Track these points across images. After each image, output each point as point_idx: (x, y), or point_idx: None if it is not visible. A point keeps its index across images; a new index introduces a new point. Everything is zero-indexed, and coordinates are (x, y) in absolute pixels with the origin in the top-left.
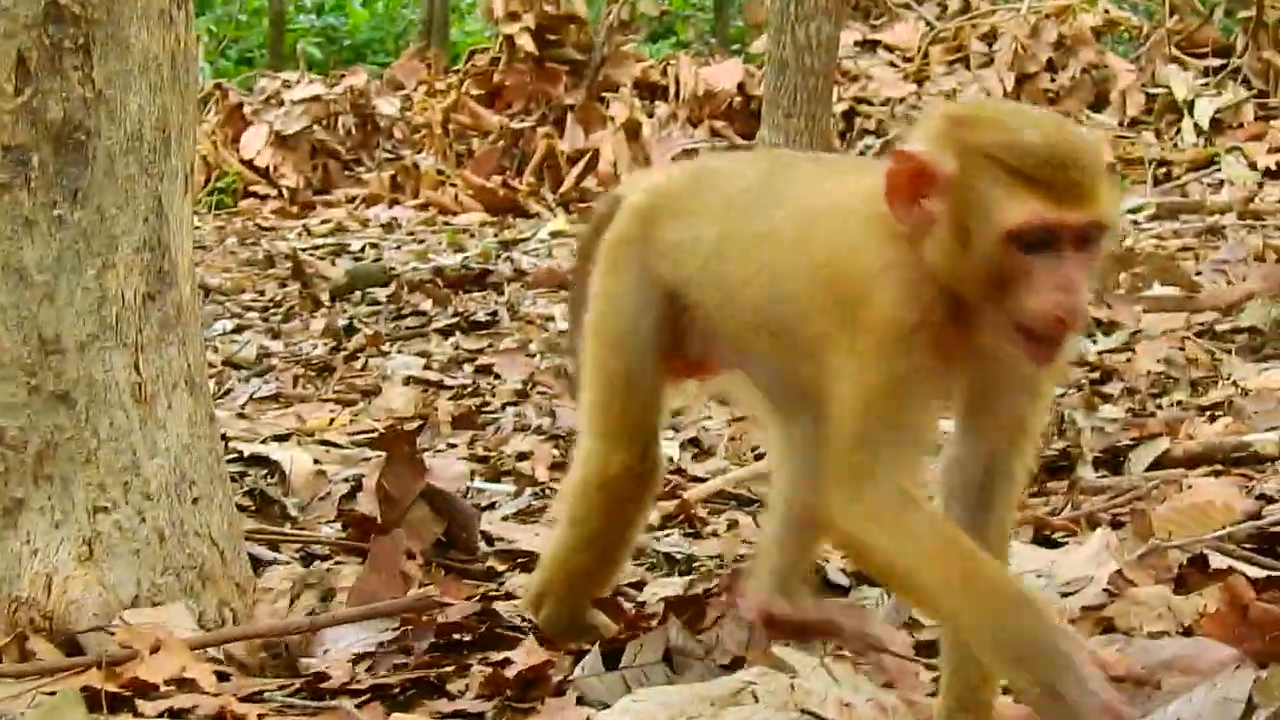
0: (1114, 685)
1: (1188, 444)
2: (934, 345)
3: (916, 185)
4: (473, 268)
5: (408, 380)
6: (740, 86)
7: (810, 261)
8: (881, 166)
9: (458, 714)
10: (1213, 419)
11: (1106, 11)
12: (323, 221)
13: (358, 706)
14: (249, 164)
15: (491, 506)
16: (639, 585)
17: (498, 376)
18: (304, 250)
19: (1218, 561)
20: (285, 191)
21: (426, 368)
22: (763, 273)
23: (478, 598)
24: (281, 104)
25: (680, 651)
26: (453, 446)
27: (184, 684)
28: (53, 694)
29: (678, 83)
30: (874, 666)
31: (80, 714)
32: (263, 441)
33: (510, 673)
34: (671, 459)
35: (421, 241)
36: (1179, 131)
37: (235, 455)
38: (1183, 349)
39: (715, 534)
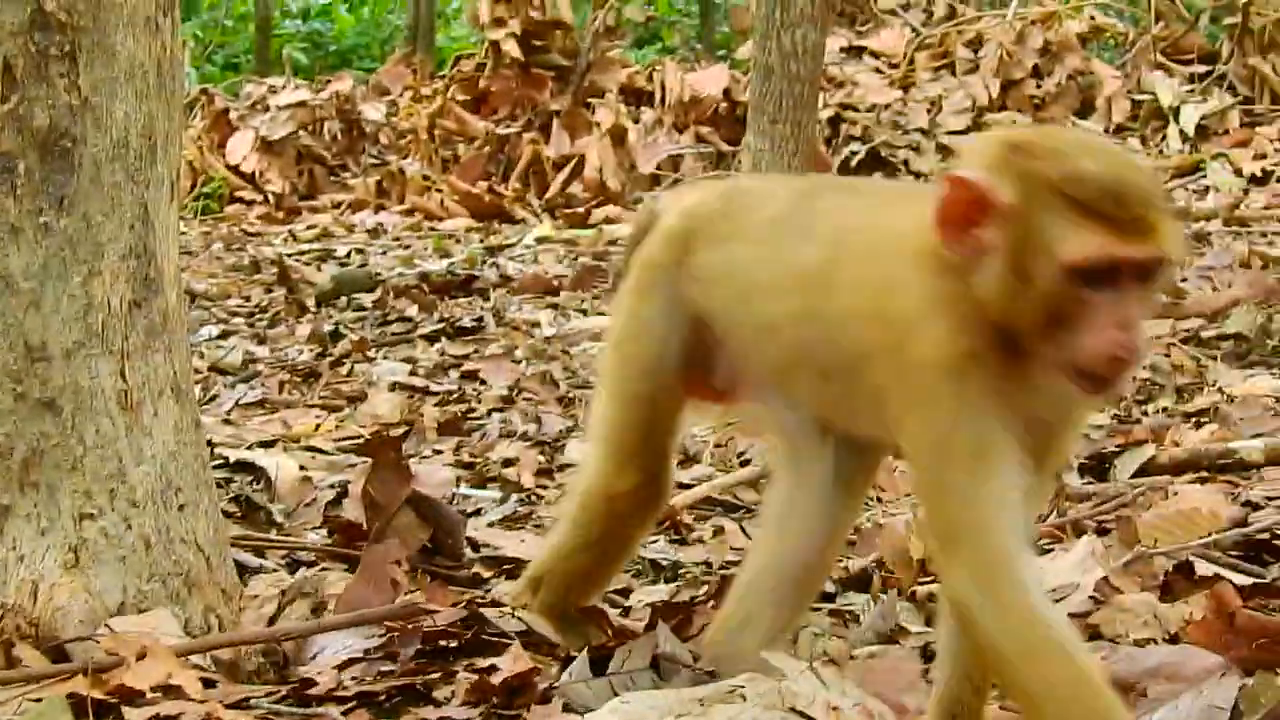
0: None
1: (1173, 450)
2: (988, 377)
3: (971, 214)
4: (458, 273)
5: (393, 386)
6: (726, 92)
7: (855, 296)
8: (925, 194)
9: None
10: (1198, 425)
11: (1092, 18)
12: (308, 227)
13: (344, 713)
14: (235, 169)
15: (477, 513)
16: (625, 592)
17: (483, 382)
18: (290, 256)
19: (1203, 568)
20: (271, 197)
21: (412, 373)
22: (805, 310)
23: (464, 604)
24: (267, 109)
25: (668, 658)
26: (438, 453)
27: (170, 691)
28: (39, 701)
29: (663, 88)
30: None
31: None
32: (248, 448)
33: (496, 679)
34: None
35: (407, 247)
36: (1164, 138)
37: (221, 461)
38: (1168, 355)
39: (701, 540)
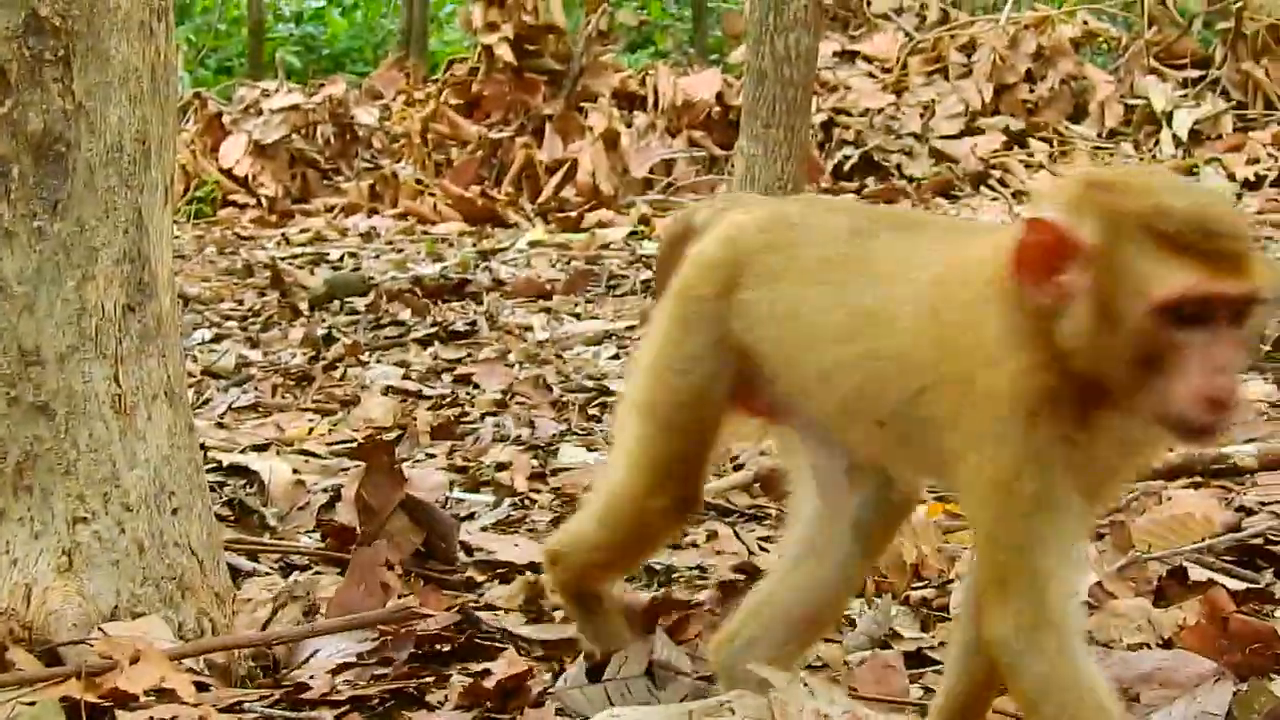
0: None
1: (1167, 456)
2: (1061, 422)
3: (1051, 258)
4: (451, 277)
5: (386, 390)
6: (719, 97)
7: (923, 327)
8: (995, 228)
9: None
10: None
11: (1085, 23)
12: (301, 231)
13: (337, 717)
14: (228, 173)
15: (470, 517)
16: None
17: (476, 386)
18: (283, 259)
19: (1197, 574)
20: (264, 201)
21: (405, 377)
22: (865, 353)
23: (457, 608)
24: (260, 113)
25: (663, 665)
26: (431, 456)
27: (163, 694)
28: (32, 704)
29: (656, 93)
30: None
31: None
32: (242, 451)
33: (490, 683)
34: None
35: (400, 251)
36: (1158, 143)
37: (214, 465)
38: None
39: (695, 544)
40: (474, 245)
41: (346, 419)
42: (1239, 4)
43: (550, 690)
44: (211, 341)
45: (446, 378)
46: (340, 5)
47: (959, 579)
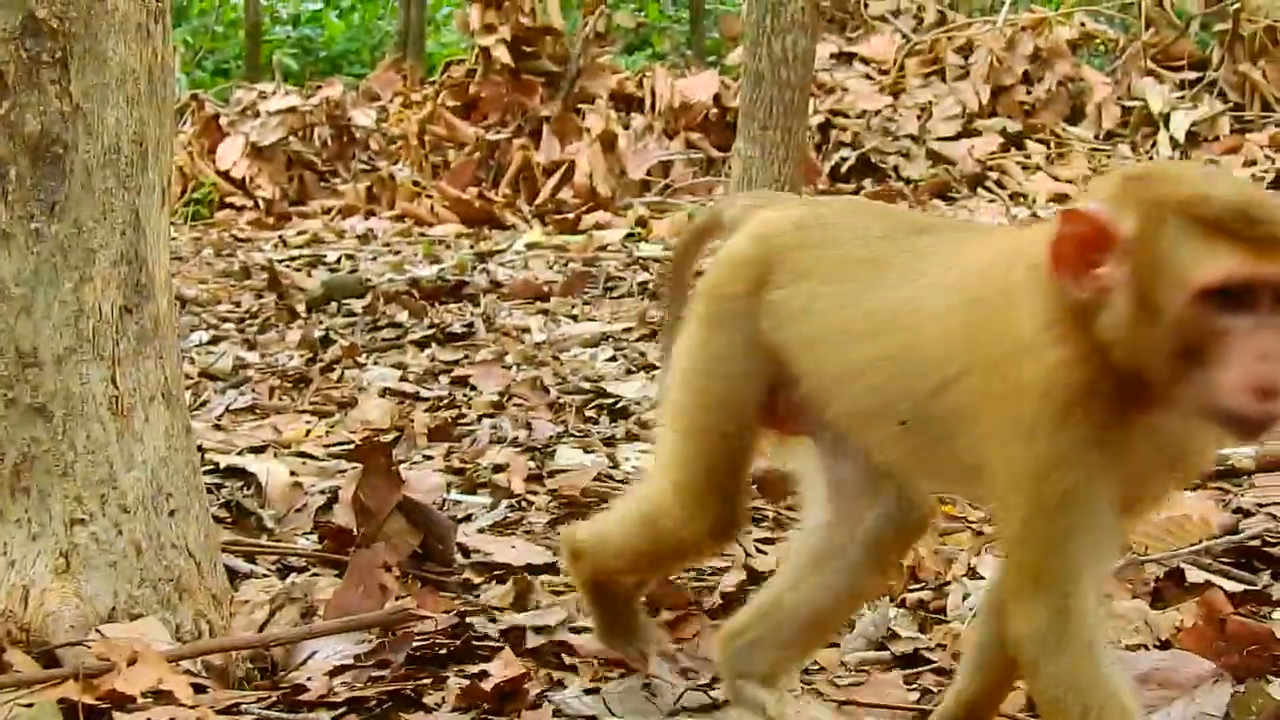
0: None
1: None
2: (1096, 420)
3: (1089, 250)
4: (449, 279)
5: (384, 392)
6: (716, 99)
7: (955, 314)
8: (1034, 226)
9: None
10: None
11: (1082, 24)
12: (299, 233)
13: (334, 719)
14: (225, 175)
15: (468, 518)
16: None
17: (474, 388)
18: (280, 261)
19: (1195, 575)
20: (261, 202)
21: (403, 379)
22: (894, 350)
23: (454, 610)
24: (257, 115)
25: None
26: (429, 458)
27: (161, 696)
28: (30, 706)
29: (653, 95)
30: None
31: None
32: (239, 453)
33: (487, 685)
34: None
35: (397, 253)
36: (1155, 145)
37: (211, 467)
38: None
39: None
40: (471, 247)
41: (344, 421)
42: (1236, 6)
43: (547, 693)
44: (209, 343)
45: (444, 379)
46: (337, 7)
47: (955, 581)
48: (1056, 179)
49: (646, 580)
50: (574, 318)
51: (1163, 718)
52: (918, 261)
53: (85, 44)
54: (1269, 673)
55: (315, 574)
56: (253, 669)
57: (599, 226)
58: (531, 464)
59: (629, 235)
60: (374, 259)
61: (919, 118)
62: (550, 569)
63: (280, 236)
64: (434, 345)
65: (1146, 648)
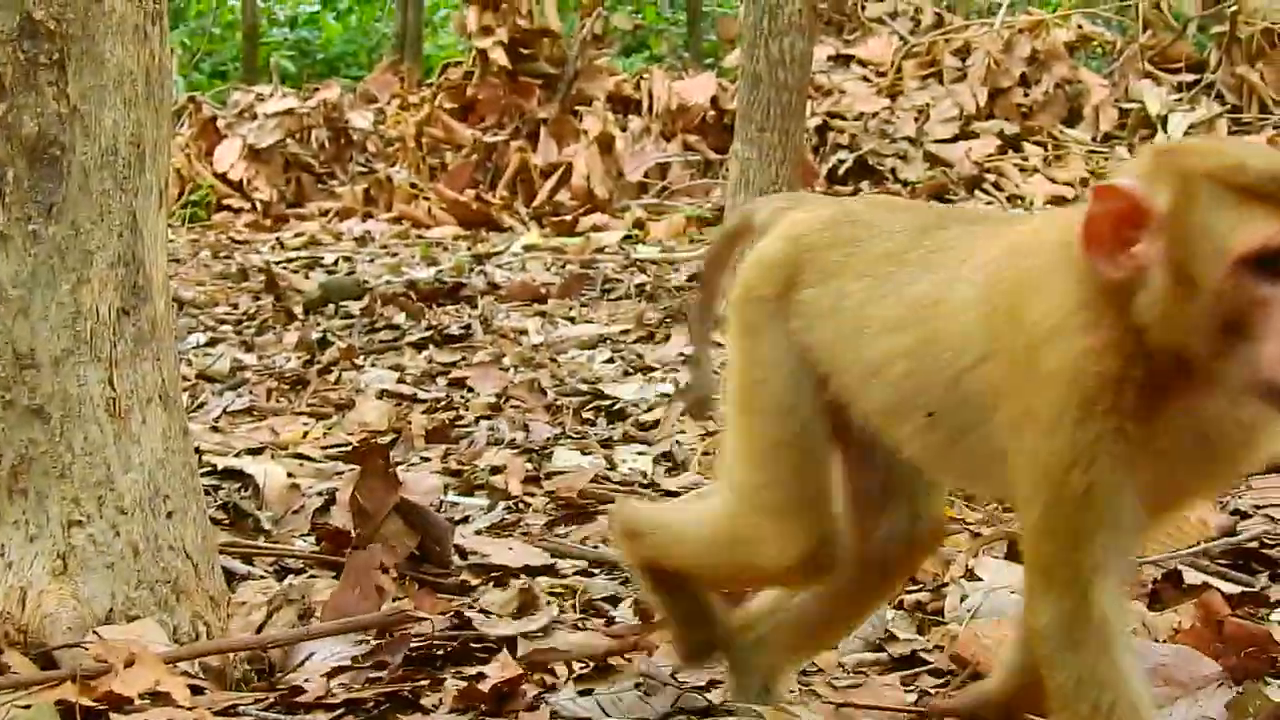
0: None
1: None
2: (1123, 411)
3: (1124, 228)
4: (446, 281)
5: (381, 394)
6: (713, 101)
7: (981, 300)
8: (1055, 215)
9: None
10: None
11: (1080, 27)
12: (296, 235)
13: None
14: (222, 177)
15: (465, 520)
16: (613, 600)
17: (471, 390)
18: (277, 263)
19: (1192, 577)
20: (259, 205)
21: (400, 381)
22: (919, 340)
23: (452, 612)
24: (255, 117)
25: (653, 676)
26: (426, 460)
27: (158, 698)
28: (27, 707)
29: (651, 97)
30: None
31: None
32: (236, 455)
33: (484, 687)
34: (644, 473)
35: (395, 255)
36: None
37: (209, 469)
38: None
39: None
40: (468, 249)
41: (341, 422)
42: (1234, 8)
43: (544, 695)
44: (206, 345)
45: (441, 381)
46: (335, 9)
47: (953, 583)
48: (1054, 181)
49: (713, 590)
50: (571, 319)
51: (1165, 717)
52: (941, 252)
53: (83, 46)
54: (1267, 674)
55: (313, 575)
56: (250, 670)
57: (596, 228)
58: (529, 465)
59: (626, 237)
60: (371, 261)
61: (916, 120)
62: (548, 570)
63: (278, 238)
64: (431, 347)
65: None
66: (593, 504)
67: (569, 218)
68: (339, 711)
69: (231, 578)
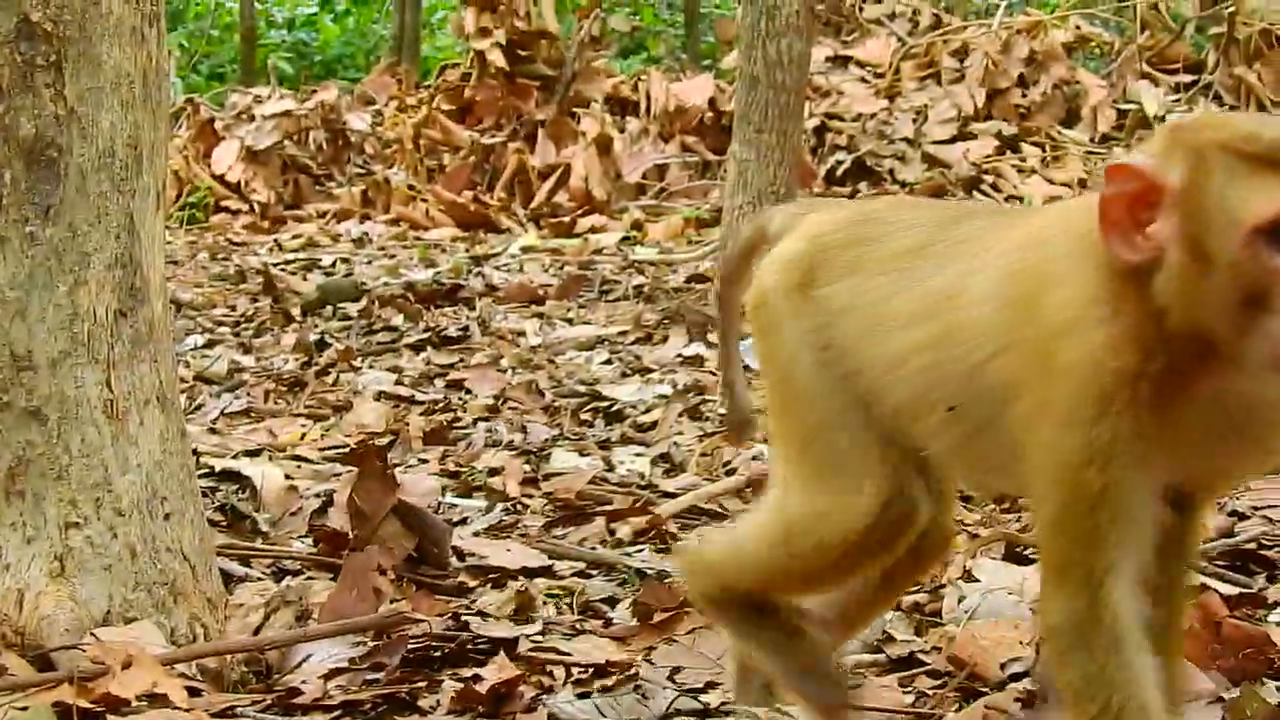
0: None
1: None
2: (1140, 404)
3: (1139, 207)
4: (444, 283)
5: (379, 395)
6: (711, 102)
7: (1001, 290)
8: (1071, 204)
9: None
10: None
11: (1078, 28)
12: (294, 236)
13: None
14: (220, 179)
15: (463, 522)
16: (611, 601)
17: (469, 392)
18: (275, 265)
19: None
20: (256, 206)
21: (398, 383)
22: (939, 333)
23: (449, 613)
24: (253, 119)
25: (650, 678)
26: (424, 462)
27: (155, 699)
28: (25, 709)
29: (649, 98)
30: None
31: None
32: (234, 457)
33: (482, 688)
34: (642, 474)
35: (393, 256)
36: None
37: (206, 471)
38: None
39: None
40: (466, 250)
41: (339, 424)
42: (1231, 9)
43: (541, 697)
44: (204, 347)
45: (439, 383)
46: (332, 11)
47: (951, 584)
48: (1052, 182)
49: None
50: (569, 321)
51: None
52: (959, 245)
53: (80, 47)
54: (1265, 676)
55: (310, 577)
56: (247, 672)
57: (594, 230)
58: (527, 467)
59: (624, 239)
60: (369, 263)
61: (914, 121)
62: (546, 572)
63: (275, 240)
64: (429, 349)
65: None
66: (591, 505)
67: (567, 219)
68: (336, 713)
69: (229, 579)
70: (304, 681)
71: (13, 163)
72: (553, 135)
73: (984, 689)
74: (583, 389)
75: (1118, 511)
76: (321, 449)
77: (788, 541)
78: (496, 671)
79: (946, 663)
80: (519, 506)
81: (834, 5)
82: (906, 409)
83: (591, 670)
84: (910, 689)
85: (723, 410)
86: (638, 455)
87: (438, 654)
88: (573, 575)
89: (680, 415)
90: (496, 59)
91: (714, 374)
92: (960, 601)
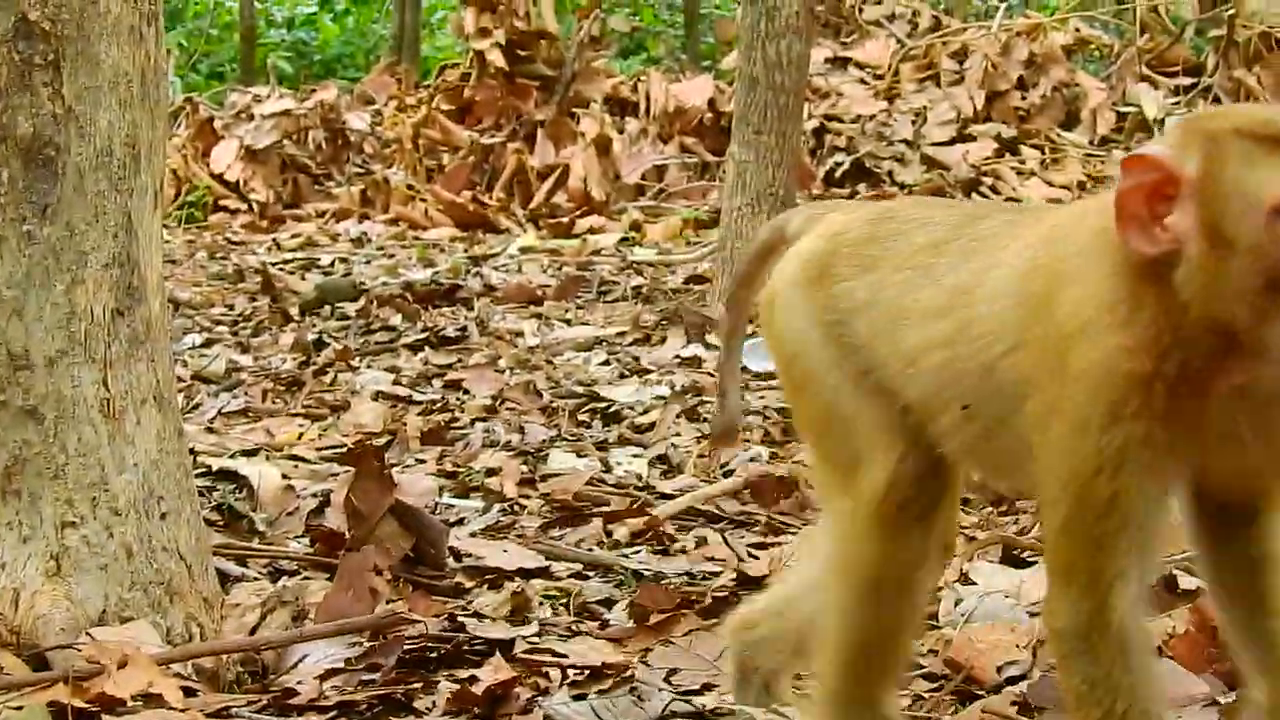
0: None
1: None
2: (1154, 409)
3: (1156, 199)
4: (442, 283)
5: (376, 395)
6: (710, 103)
7: (1017, 287)
8: (1089, 202)
9: None
10: None
11: (1077, 30)
12: (292, 236)
13: None
14: (219, 178)
15: (460, 522)
16: (607, 603)
17: (467, 392)
18: (273, 265)
19: (1187, 582)
20: (255, 206)
21: (395, 383)
22: (956, 328)
23: (446, 614)
24: (252, 118)
25: (645, 681)
26: (421, 462)
27: (151, 699)
28: (19, 709)
29: (648, 99)
30: None
31: None
32: (231, 456)
33: (477, 690)
34: (640, 476)
35: (391, 256)
36: None
37: (203, 470)
38: None
39: (684, 551)
40: (465, 251)
41: (336, 424)
42: (1231, 12)
43: (537, 699)
44: (202, 346)
45: (437, 383)
46: (332, 11)
47: (948, 587)
48: (1051, 184)
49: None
50: (567, 322)
51: None
52: (977, 241)
53: (78, 46)
54: None
55: (306, 577)
56: (243, 672)
57: (593, 230)
58: (524, 468)
59: (623, 239)
60: (368, 262)
61: (914, 123)
62: (543, 573)
63: (274, 240)
64: (427, 349)
65: None
66: (588, 506)
67: (566, 219)
68: (332, 714)
69: (225, 579)
70: (300, 682)
71: (10, 161)
72: (552, 135)
73: (980, 692)
74: (580, 390)
75: (1127, 519)
76: (319, 449)
77: (845, 567)
78: (492, 672)
79: (943, 666)
80: (516, 507)
81: (833, 7)
82: (922, 406)
83: (587, 672)
84: (907, 692)
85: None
86: (635, 456)
87: (434, 655)
88: (569, 576)
89: (678, 416)
90: (496, 59)
91: (712, 375)
92: (957, 604)
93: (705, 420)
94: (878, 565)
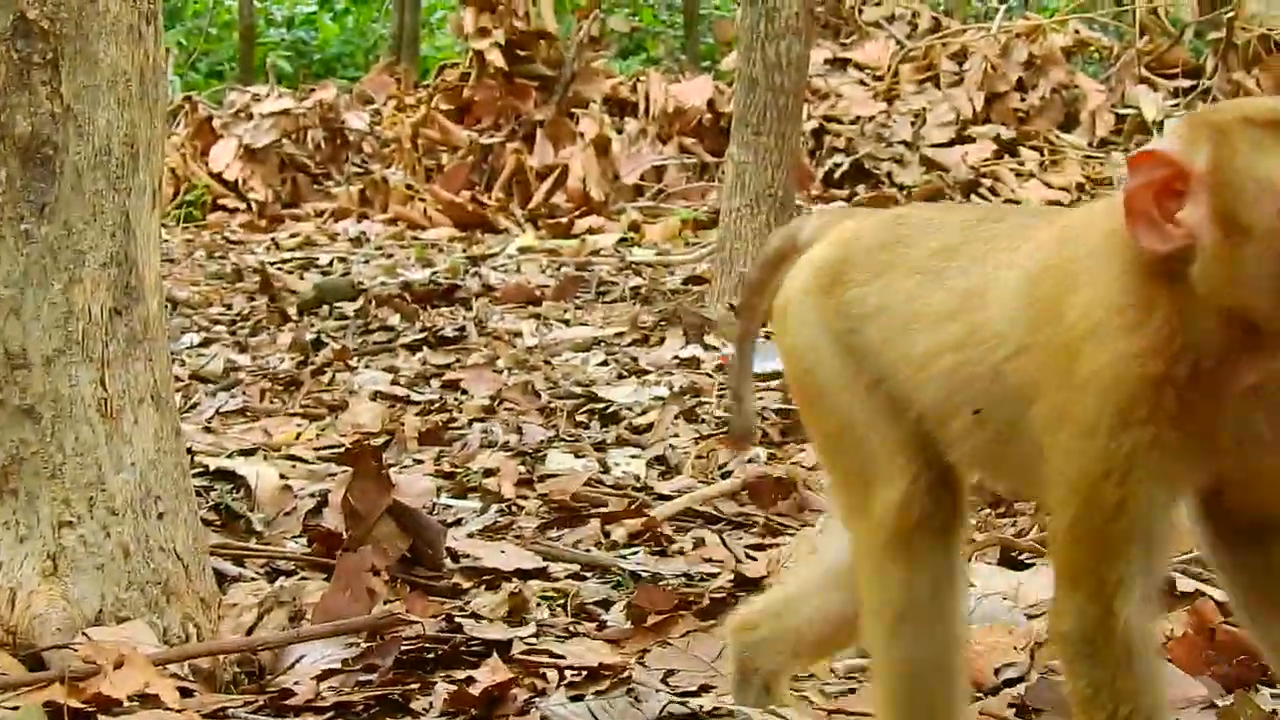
0: None
1: None
2: (1166, 412)
3: (1167, 195)
4: (441, 283)
5: (375, 395)
6: (710, 104)
7: (1027, 289)
8: (1098, 204)
9: None
10: None
11: (1077, 32)
12: (291, 235)
13: None
14: (218, 177)
15: (458, 523)
16: (605, 604)
17: (465, 392)
18: (272, 264)
19: (1185, 584)
20: (254, 205)
21: (394, 383)
22: (967, 331)
23: (443, 615)
24: (251, 117)
25: (642, 682)
26: (419, 462)
27: (147, 700)
28: (16, 709)
29: (647, 99)
30: None
31: None
32: (229, 456)
33: (475, 691)
34: (638, 477)
35: (390, 256)
36: None
37: (201, 470)
38: None
39: (681, 552)
40: (464, 251)
41: (334, 424)
42: (1230, 14)
43: (534, 700)
44: (200, 346)
45: (435, 383)
46: (332, 10)
47: None
48: (1050, 186)
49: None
50: (566, 322)
51: None
52: (989, 245)
53: (76, 45)
54: (1258, 683)
55: (304, 578)
56: (240, 673)
57: (592, 231)
58: (522, 468)
59: (622, 240)
60: (366, 262)
61: (913, 124)
62: (540, 574)
63: (272, 239)
64: (425, 349)
65: None
66: (586, 507)
67: (564, 220)
68: (329, 714)
69: (222, 579)
70: (297, 682)
71: (8, 160)
72: (551, 136)
73: (978, 694)
74: (579, 390)
75: (1135, 524)
76: (316, 449)
77: (875, 602)
78: (489, 674)
79: None
80: (514, 508)
81: (833, 8)
82: (934, 412)
83: (585, 673)
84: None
85: (728, 414)
86: (633, 457)
87: (431, 656)
88: (567, 577)
89: (676, 417)
90: (495, 59)
91: (710, 376)
92: None
93: (703, 421)
94: (906, 589)
